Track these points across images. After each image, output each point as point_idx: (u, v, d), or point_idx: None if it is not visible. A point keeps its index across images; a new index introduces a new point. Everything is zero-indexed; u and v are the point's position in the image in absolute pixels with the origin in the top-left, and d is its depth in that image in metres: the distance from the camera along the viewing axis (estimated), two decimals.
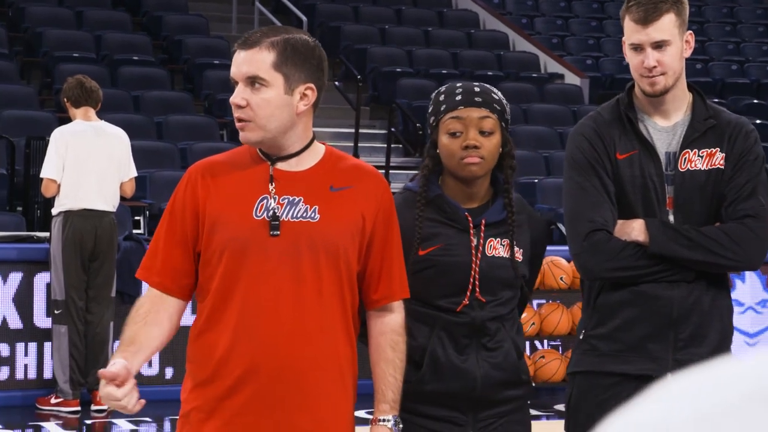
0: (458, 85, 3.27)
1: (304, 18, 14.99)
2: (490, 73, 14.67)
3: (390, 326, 3.02)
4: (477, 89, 3.23)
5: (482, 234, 3.20)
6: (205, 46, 14.28)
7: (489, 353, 3.20)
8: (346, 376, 2.96)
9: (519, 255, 3.24)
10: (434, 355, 3.18)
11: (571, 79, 15.44)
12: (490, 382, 3.19)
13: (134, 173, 7.81)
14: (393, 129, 13.33)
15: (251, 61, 2.84)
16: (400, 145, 13.63)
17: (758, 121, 14.46)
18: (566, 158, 3.49)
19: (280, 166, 2.91)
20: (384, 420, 3.01)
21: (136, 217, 10.27)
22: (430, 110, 3.27)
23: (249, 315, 2.85)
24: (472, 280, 3.18)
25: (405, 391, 3.12)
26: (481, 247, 3.20)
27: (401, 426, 3.05)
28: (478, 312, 3.19)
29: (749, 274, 9.01)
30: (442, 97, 3.24)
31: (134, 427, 7.42)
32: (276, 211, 2.85)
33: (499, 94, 3.28)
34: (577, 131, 3.49)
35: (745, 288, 9.01)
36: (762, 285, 9.16)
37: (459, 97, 3.21)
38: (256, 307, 2.86)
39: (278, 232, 2.85)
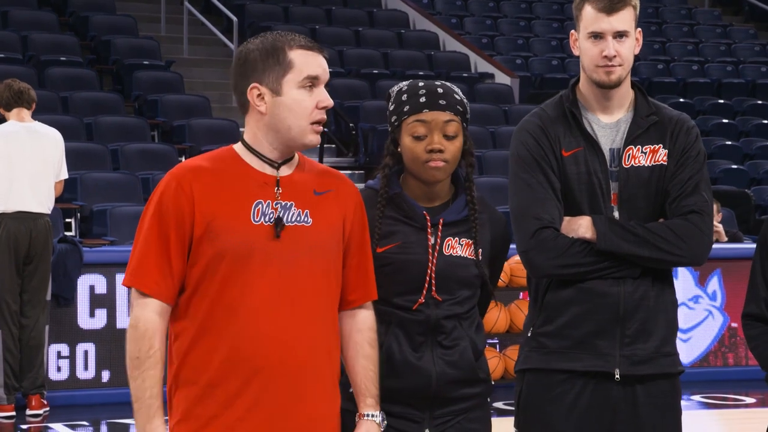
0: (420, 84, 3.24)
1: (234, 18, 14.90)
2: (421, 73, 14.71)
3: (367, 324, 3.07)
4: (440, 90, 3.22)
5: (440, 233, 3.20)
6: (134, 46, 14.15)
7: (445, 351, 3.21)
8: (335, 375, 3.00)
9: (479, 254, 3.25)
10: (390, 352, 3.18)
11: (502, 78, 15.54)
12: (446, 379, 3.19)
13: (65, 175, 7.71)
14: (326, 129, 13.28)
15: (324, 63, 2.94)
16: (333, 145, 13.62)
17: None
18: (511, 155, 3.50)
19: (270, 170, 2.93)
20: (372, 415, 3.04)
21: (68, 219, 10.16)
22: (391, 108, 3.25)
23: (252, 318, 2.85)
24: (428, 278, 3.18)
25: None
26: (438, 246, 3.20)
27: (386, 422, 3.08)
28: (433, 310, 3.19)
29: (682, 271, 9.14)
30: (404, 97, 3.23)
31: None
32: (280, 214, 2.88)
33: (460, 92, 3.27)
34: (521, 128, 3.50)
35: (678, 284, 9.05)
36: (694, 281, 9.29)
37: (423, 99, 3.19)
38: (259, 310, 2.86)
39: (279, 236, 2.87)
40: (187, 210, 2.84)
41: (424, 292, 3.19)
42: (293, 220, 2.90)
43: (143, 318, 2.85)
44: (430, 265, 3.18)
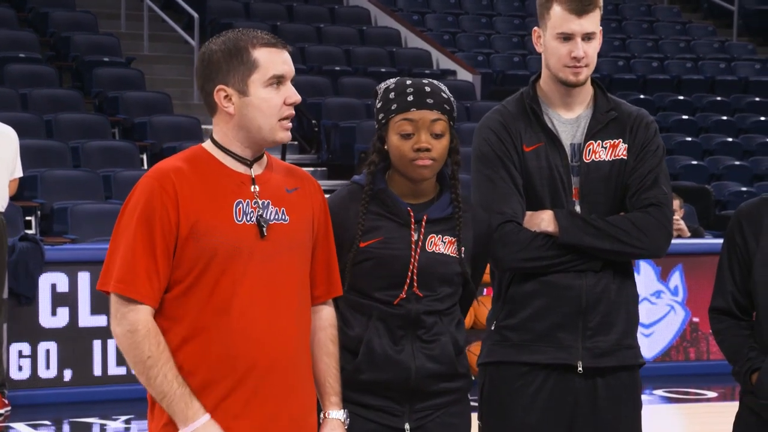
0: (408, 82, 3.25)
1: (195, 15, 14.84)
2: (383, 70, 14.72)
3: (329, 321, 3.09)
4: (428, 89, 3.23)
5: (423, 229, 3.22)
6: (94, 43, 14.06)
7: (425, 345, 3.23)
8: (311, 367, 3.04)
9: (461, 252, 3.26)
10: (370, 344, 3.20)
11: (463, 75, 15.58)
12: (425, 373, 3.21)
13: (20, 173, 7.65)
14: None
15: (289, 58, 2.94)
16: (296, 143, 13.59)
17: None
18: (474, 151, 3.52)
19: (244, 169, 2.93)
20: (336, 414, 3.06)
21: (28, 217, 10.08)
22: (378, 106, 3.26)
23: (244, 317, 2.85)
24: (410, 274, 3.20)
25: (341, 380, 3.15)
26: (420, 243, 3.22)
27: (348, 420, 3.10)
28: (414, 305, 3.21)
29: (644, 267, 9.19)
30: (392, 95, 3.23)
31: (33, 431, 7.28)
32: (260, 213, 2.88)
33: (447, 90, 3.28)
34: (483, 125, 3.53)
35: (640, 279, 9.15)
36: (656, 276, 9.36)
37: (411, 98, 3.21)
38: (249, 309, 2.86)
39: (265, 235, 2.88)
40: (173, 212, 2.82)
41: (406, 287, 3.21)
42: (272, 218, 2.91)
43: (141, 321, 2.81)
44: (412, 260, 3.20)
